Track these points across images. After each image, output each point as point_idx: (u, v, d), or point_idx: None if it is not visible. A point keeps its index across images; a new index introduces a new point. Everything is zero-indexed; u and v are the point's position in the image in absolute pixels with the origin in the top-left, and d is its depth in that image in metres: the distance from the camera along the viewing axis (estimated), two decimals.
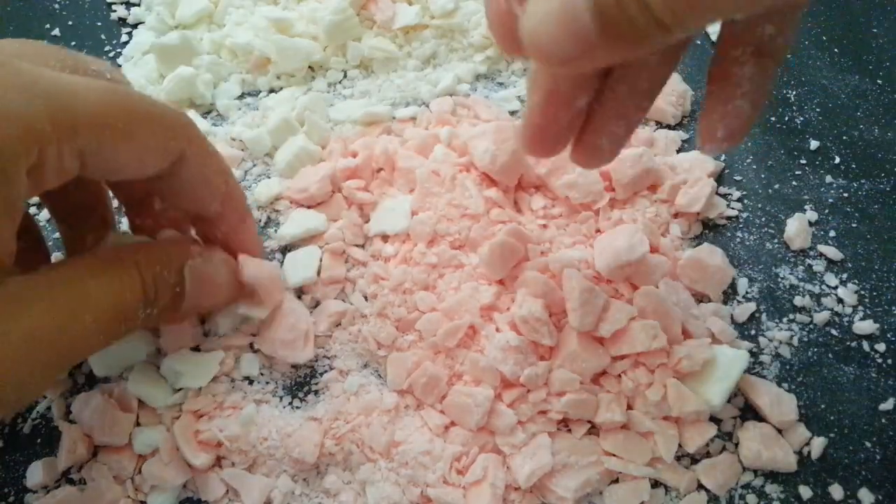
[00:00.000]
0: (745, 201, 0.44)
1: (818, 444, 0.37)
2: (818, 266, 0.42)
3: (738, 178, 0.45)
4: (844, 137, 0.46)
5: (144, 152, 0.29)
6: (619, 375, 0.36)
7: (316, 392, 0.38)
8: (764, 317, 0.40)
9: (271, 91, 0.49)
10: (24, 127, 0.25)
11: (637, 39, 0.23)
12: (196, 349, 0.38)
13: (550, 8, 0.24)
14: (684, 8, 0.22)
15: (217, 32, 0.51)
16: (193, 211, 0.35)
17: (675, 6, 0.22)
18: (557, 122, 0.29)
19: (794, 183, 0.45)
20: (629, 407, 0.36)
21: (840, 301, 0.41)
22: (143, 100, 0.30)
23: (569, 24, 0.23)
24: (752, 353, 0.39)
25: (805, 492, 0.36)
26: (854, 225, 0.43)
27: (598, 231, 0.40)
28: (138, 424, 0.36)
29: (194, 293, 0.32)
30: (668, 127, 0.47)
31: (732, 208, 0.43)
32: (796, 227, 0.42)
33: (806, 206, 0.44)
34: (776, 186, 0.44)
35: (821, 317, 0.40)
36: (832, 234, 0.43)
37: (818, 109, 0.48)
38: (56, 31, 0.53)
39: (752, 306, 0.40)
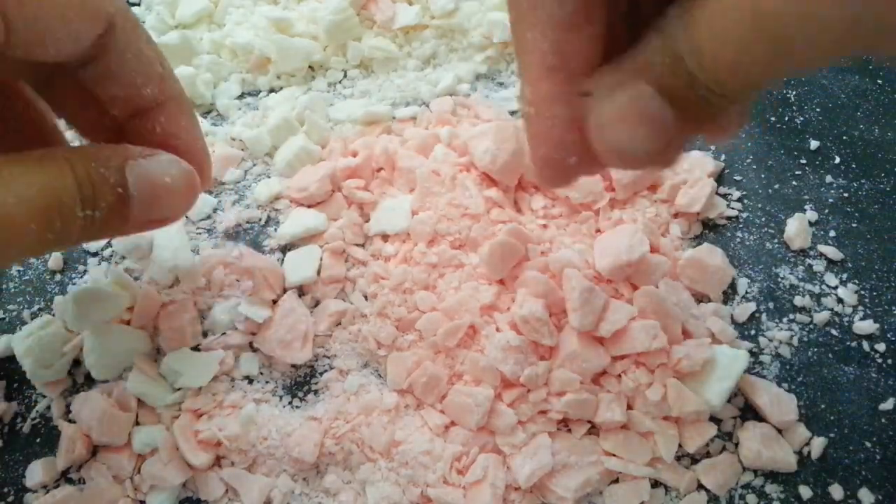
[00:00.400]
0: (745, 201, 0.44)
1: (818, 444, 0.37)
2: (818, 266, 0.42)
3: (738, 178, 0.45)
4: (844, 137, 0.46)
5: (71, 12, 0.27)
6: (619, 375, 0.36)
7: (316, 392, 0.38)
8: (764, 317, 0.40)
9: (271, 91, 0.49)
10: None
11: (711, 115, 0.23)
12: (196, 349, 0.38)
13: (621, 112, 0.23)
14: (747, 78, 0.21)
15: (217, 32, 0.51)
16: (129, 98, 0.32)
17: (737, 78, 0.21)
18: (564, 158, 0.27)
19: (794, 183, 0.45)
20: (629, 407, 0.36)
21: (840, 301, 0.41)
22: None
23: (648, 119, 0.23)
24: (752, 353, 0.39)
25: (805, 492, 0.36)
26: (854, 225, 0.43)
27: (598, 231, 0.40)
28: (137, 424, 0.36)
29: (142, 196, 0.29)
30: None
31: (732, 208, 0.43)
32: (796, 227, 0.42)
33: (806, 206, 0.44)
34: (776, 186, 0.44)
35: (821, 317, 0.40)
36: (832, 234, 0.43)
37: (818, 109, 0.48)
38: None
39: (752, 306, 0.40)
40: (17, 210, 0.25)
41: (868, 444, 0.37)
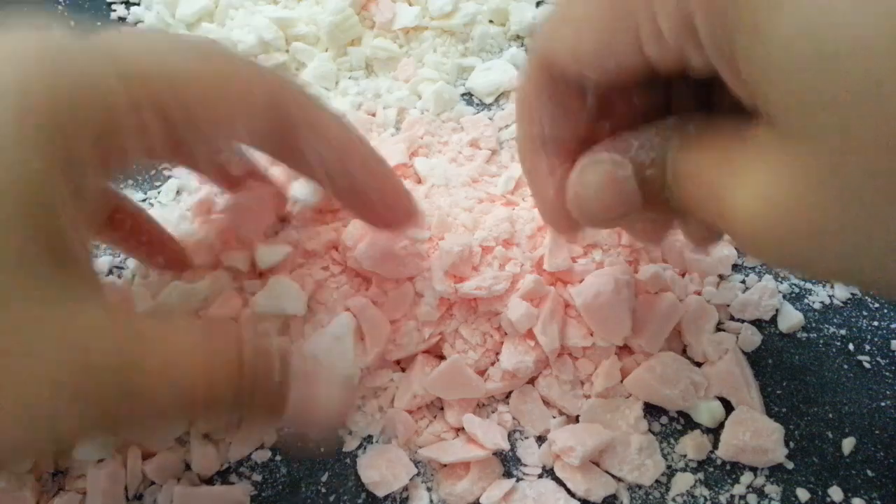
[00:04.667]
0: None
1: (818, 446, 0.36)
2: None
3: None
4: None
5: (238, 109, 0.27)
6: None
7: None
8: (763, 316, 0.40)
9: None
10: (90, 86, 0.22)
11: (670, 211, 0.26)
12: None
13: (600, 180, 0.27)
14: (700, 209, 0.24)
15: (217, 32, 0.51)
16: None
17: (690, 205, 0.25)
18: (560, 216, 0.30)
19: None
20: None
21: (840, 300, 0.40)
22: (234, 56, 0.28)
23: (617, 188, 0.26)
24: (751, 354, 0.38)
25: (803, 494, 0.35)
26: None
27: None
28: None
29: (296, 409, 0.27)
30: None
31: None
32: None
33: None
34: None
35: (820, 315, 0.40)
36: None
37: None
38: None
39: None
40: (184, 361, 0.24)
41: (868, 444, 0.36)
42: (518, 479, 0.36)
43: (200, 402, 0.24)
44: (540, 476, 0.36)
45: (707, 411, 0.36)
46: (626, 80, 0.25)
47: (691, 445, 0.36)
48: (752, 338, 0.38)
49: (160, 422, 0.25)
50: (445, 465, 0.36)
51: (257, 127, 0.28)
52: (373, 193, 0.32)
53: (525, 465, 0.36)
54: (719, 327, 0.39)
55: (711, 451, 0.36)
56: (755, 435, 0.35)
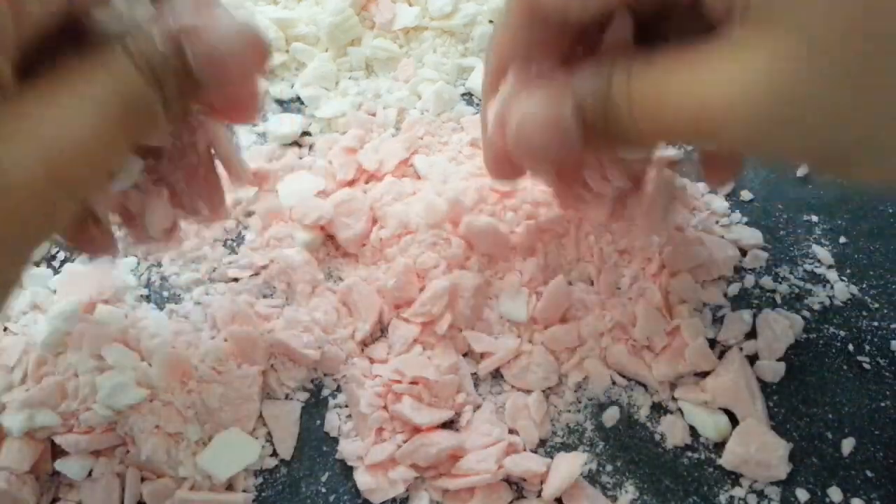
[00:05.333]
0: (745, 201, 0.44)
1: (818, 446, 0.36)
2: (818, 266, 0.41)
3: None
4: None
5: None
6: None
7: None
8: (763, 316, 0.40)
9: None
10: None
11: (612, 147, 0.27)
12: None
13: (540, 109, 0.27)
14: (660, 138, 0.26)
15: None
16: None
17: (653, 136, 0.26)
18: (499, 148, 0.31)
19: (794, 182, 0.44)
20: None
21: (840, 301, 0.40)
22: None
23: (557, 125, 0.26)
24: (751, 355, 0.38)
25: (802, 495, 0.35)
26: (854, 225, 0.43)
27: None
28: None
29: (200, 56, 0.25)
30: None
31: (731, 208, 0.43)
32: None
33: (806, 206, 0.43)
34: (776, 186, 0.44)
35: (820, 316, 0.40)
36: (832, 233, 0.42)
37: None
38: None
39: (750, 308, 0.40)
40: (91, 123, 0.24)
41: (868, 445, 0.36)
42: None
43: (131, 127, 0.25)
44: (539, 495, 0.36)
45: (713, 425, 0.36)
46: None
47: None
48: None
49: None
50: (448, 491, 0.35)
51: None
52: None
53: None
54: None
55: (713, 454, 0.37)
56: (761, 449, 0.35)
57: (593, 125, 0.26)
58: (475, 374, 0.38)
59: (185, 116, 0.28)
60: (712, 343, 0.39)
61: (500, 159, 0.31)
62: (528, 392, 0.37)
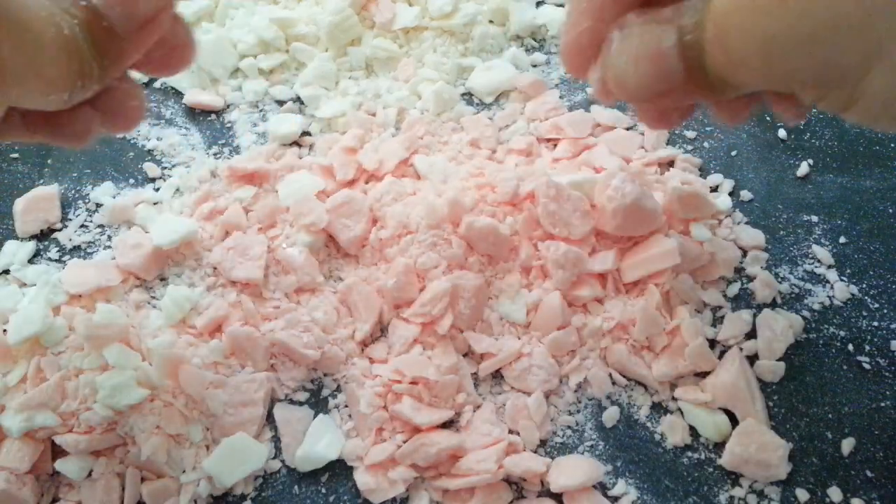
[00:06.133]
0: (745, 201, 0.44)
1: (818, 446, 0.36)
2: (818, 266, 0.41)
3: (737, 177, 0.45)
4: (845, 136, 0.46)
5: None
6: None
7: None
8: (763, 316, 0.40)
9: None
10: None
11: (717, 90, 0.26)
12: None
13: (641, 51, 0.26)
14: (756, 76, 0.24)
15: (217, 31, 0.51)
16: None
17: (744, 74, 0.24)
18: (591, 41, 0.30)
19: (794, 182, 0.44)
20: None
21: (840, 300, 0.40)
22: None
23: (658, 63, 0.26)
24: (750, 355, 0.38)
25: (802, 494, 0.35)
26: (854, 225, 0.43)
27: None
28: None
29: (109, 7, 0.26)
30: None
31: (733, 207, 0.43)
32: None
33: (806, 206, 0.43)
34: (776, 186, 0.44)
35: (820, 316, 0.40)
36: (832, 233, 0.42)
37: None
38: None
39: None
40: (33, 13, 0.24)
41: (868, 445, 0.36)
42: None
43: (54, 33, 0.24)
44: (539, 495, 0.36)
45: (713, 425, 0.36)
46: None
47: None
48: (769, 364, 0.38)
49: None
50: (448, 491, 0.35)
51: None
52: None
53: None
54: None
55: (713, 454, 0.37)
56: (761, 449, 0.35)
57: (693, 62, 0.25)
58: (475, 374, 0.38)
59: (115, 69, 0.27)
60: (712, 343, 0.39)
61: (577, 52, 0.30)
62: (529, 393, 0.37)
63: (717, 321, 0.40)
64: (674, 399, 0.38)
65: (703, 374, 0.38)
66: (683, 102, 0.30)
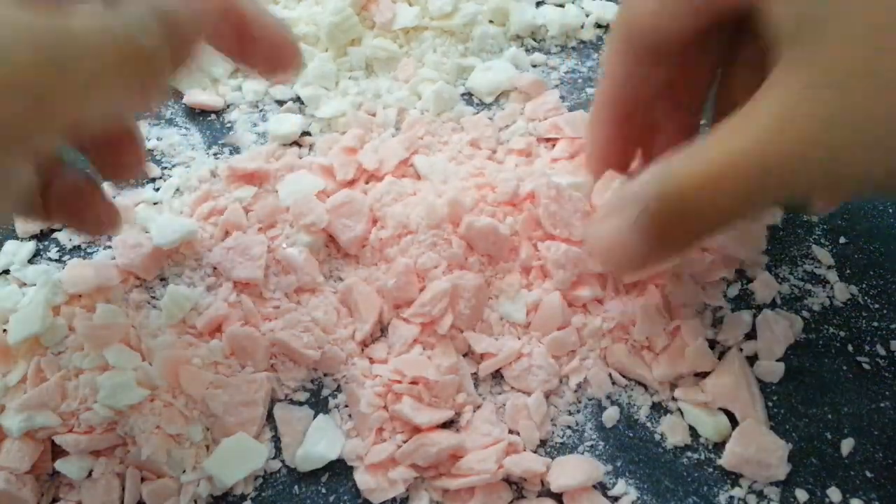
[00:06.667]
0: None
1: (817, 446, 0.36)
2: (818, 266, 0.41)
3: None
4: None
5: None
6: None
7: None
8: (763, 316, 0.40)
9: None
10: None
11: (679, 250, 0.30)
12: None
13: (607, 235, 0.30)
14: (718, 212, 0.27)
15: None
16: None
17: (709, 211, 0.27)
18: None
19: None
20: None
21: (840, 301, 0.40)
22: None
23: (621, 248, 0.29)
24: (750, 356, 0.38)
25: (802, 495, 0.35)
26: (854, 225, 0.43)
27: None
28: None
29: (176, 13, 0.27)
30: None
31: None
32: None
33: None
34: None
35: (820, 316, 0.40)
36: (832, 234, 0.42)
37: None
38: None
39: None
40: (77, 25, 0.23)
41: (868, 445, 0.36)
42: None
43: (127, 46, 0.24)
44: (539, 495, 0.36)
45: (713, 426, 0.36)
46: (698, 30, 0.31)
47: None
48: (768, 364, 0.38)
49: (99, 86, 0.24)
50: (448, 491, 0.35)
51: None
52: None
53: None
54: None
55: (713, 454, 0.37)
56: (760, 449, 0.35)
57: (663, 224, 0.28)
58: (475, 374, 0.38)
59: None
60: (712, 343, 0.39)
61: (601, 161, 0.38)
62: (529, 393, 0.37)
63: (716, 321, 0.40)
64: (674, 399, 0.38)
65: (703, 374, 0.38)
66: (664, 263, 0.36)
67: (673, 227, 0.28)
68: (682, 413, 0.37)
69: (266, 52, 0.32)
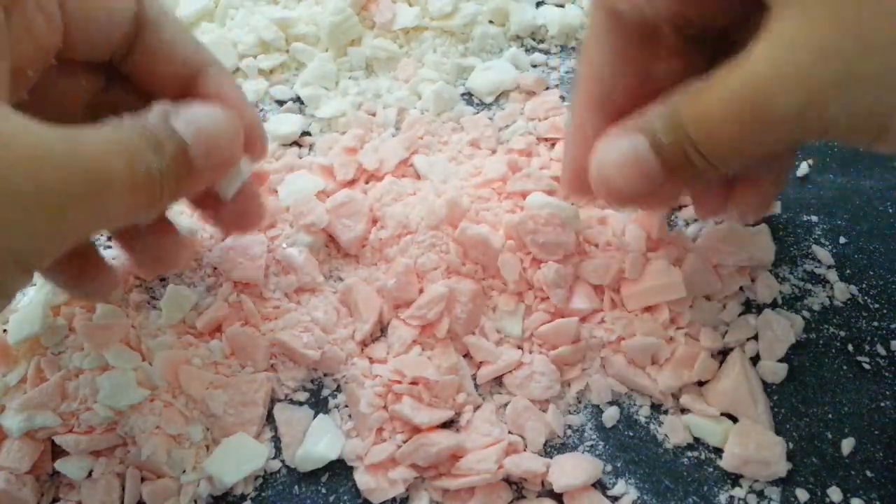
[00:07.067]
0: None
1: (818, 446, 0.36)
2: (818, 265, 0.41)
3: None
4: None
5: (100, 13, 0.30)
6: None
7: None
8: (765, 317, 0.40)
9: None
10: None
11: (695, 175, 0.28)
12: None
13: (618, 155, 0.29)
14: (727, 152, 0.27)
15: (217, 31, 0.51)
16: (172, 75, 0.33)
17: (719, 151, 0.27)
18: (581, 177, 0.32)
19: (794, 182, 0.44)
20: None
21: (840, 301, 0.40)
22: None
23: (638, 167, 0.28)
24: (752, 356, 0.38)
25: (802, 495, 0.35)
26: (854, 225, 0.43)
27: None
28: None
29: (196, 141, 0.28)
30: None
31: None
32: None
33: (806, 206, 0.43)
34: None
35: (820, 316, 0.40)
36: (832, 234, 0.42)
37: None
38: None
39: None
40: (103, 148, 0.25)
41: (868, 445, 0.36)
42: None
43: (133, 176, 0.26)
44: (539, 495, 0.36)
45: (721, 434, 0.36)
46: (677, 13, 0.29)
47: None
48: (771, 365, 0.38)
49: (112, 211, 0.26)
50: (448, 491, 0.35)
51: (118, 26, 0.30)
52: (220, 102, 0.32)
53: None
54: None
55: (713, 454, 0.37)
56: (759, 447, 0.35)
57: (672, 157, 0.28)
58: (475, 375, 0.38)
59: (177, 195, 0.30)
60: None
61: (578, 181, 0.33)
62: (531, 400, 0.37)
63: (718, 323, 0.39)
64: (680, 410, 0.38)
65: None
66: (668, 199, 0.35)
67: (686, 160, 0.27)
68: (681, 411, 0.37)
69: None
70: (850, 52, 0.23)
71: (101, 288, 0.35)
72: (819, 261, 0.41)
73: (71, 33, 0.29)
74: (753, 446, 0.35)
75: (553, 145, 0.45)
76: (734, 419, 0.37)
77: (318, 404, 0.38)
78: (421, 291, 0.38)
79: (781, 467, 0.35)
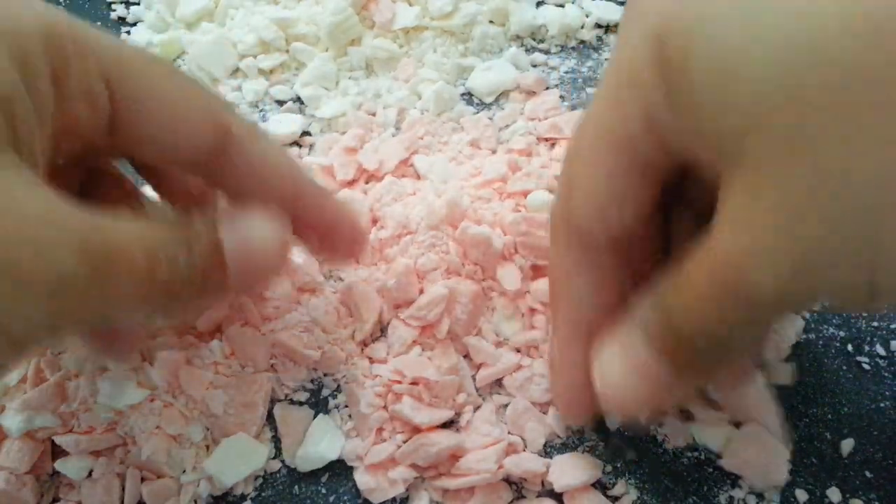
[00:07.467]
0: None
1: (817, 446, 0.36)
2: None
3: None
4: None
5: (182, 126, 0.27)
6: None
7: None
8: None
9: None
10: (41, 24, 0.23)
11: (703, 365, 0.26)
12: None
13: (622, 367, 0.27)
14: (725, 339, 0.24)
15: (217, 31, 0.51)
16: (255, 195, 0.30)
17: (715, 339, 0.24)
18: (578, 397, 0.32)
19: None
20: None
21: None
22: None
23: (645, 378, 0.26)
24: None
25: (801, 495, 0.35)
26: None
27: None
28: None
29: (236, 251, 0.26)
30: None
31: None
32: None
33: None
34: None
35: (819, 316, 0.40)
36: None
37: None
38: None
39: None
40: (124, 237, 0.23)
41: (868, 445, 0.36)
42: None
43: (152, 271, 0.24)
44: (539, 495, 0.36)
45: (726, 440, 0.36)
46: (642, 214, 0.27)
47: None
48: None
49: (128, 307, 0.24)
50: (448, 491, 0.35)
51: (199, 144, 0.28)
52: (325, 221, 0.33)
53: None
54: None
55: (713, 454, 0.37)
56: (761, 452, 0.35)
57: (671, 349, 0.26)
58: (475, 375, 0.38)
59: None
60: None
61: (577, 404, 0.32)
62: (532, 402, 0.37)
63: None
64: (682, 413, 0.38)
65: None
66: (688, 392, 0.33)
67: (684, 349, 0.25)
68: (681, 413, 0.37)
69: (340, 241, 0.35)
70: (810, 230, 0.21)
71: (122, 350, 0.35)
72: None
73: (146, 141, 0.28)
74: (755, 450, 0.35)
75: (553, 145, 0.45)
76: (737, 424, 0.37)
77: (318, 404, 0.38)
78: (421, 292, 0.38)
79: (782, 476, 0.35)
